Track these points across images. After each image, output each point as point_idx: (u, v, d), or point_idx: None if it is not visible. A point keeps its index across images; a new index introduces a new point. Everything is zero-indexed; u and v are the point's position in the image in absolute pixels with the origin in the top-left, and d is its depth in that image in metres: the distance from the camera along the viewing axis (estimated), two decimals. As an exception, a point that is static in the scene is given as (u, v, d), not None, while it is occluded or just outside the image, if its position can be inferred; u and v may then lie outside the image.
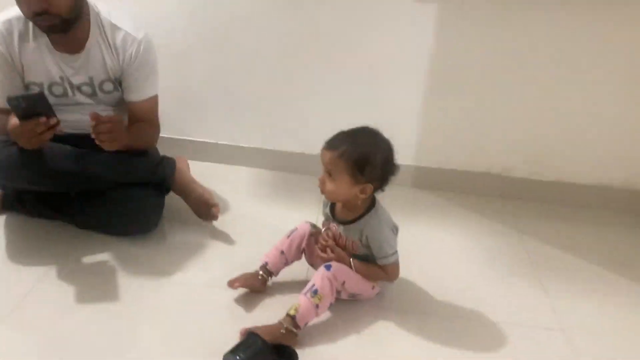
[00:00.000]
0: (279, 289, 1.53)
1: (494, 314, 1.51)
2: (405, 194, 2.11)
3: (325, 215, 1.53)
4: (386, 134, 1.40)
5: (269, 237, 1.57)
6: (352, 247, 1.46)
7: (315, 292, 1.35)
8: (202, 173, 1.96)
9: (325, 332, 1.40)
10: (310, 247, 1.53)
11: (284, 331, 1.31)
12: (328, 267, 1.40)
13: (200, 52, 2.09)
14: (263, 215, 1.89)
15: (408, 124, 2.10)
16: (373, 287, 1.49)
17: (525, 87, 2.00)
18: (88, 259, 1.61)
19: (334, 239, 1.47)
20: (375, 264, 1.46)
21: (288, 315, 1.33)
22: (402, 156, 1.43)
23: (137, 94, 1.68)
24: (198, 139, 2.24)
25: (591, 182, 2.11)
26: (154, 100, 1.72)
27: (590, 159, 2.08)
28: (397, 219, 1.49)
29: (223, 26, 2.03)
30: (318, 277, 1.38)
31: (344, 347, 1.37)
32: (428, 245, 1.82)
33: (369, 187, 1.38)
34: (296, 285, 1.49)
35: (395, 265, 1.46)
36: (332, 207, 1.51)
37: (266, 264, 1.51)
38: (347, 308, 1.47)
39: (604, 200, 2.11)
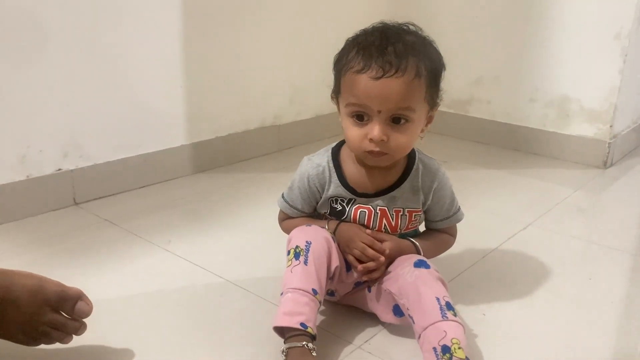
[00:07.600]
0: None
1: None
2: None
3: (333, 199, 0.92)
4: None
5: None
6: (409, 223, 0.93)
7: (450, 307, 0.82)
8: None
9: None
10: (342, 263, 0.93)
11: None
12: (419, 264, 0.87)
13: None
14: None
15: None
16: None
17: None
18: None
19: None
20: (434, 233, 0.98)
21: None
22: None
23: None
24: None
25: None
26: None
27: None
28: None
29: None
30: (426, 288, 0.84)
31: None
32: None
33: (436, 110, 0.90)
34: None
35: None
36: (341, 175, 0.91)
37: (304, 326, 0.81)
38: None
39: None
